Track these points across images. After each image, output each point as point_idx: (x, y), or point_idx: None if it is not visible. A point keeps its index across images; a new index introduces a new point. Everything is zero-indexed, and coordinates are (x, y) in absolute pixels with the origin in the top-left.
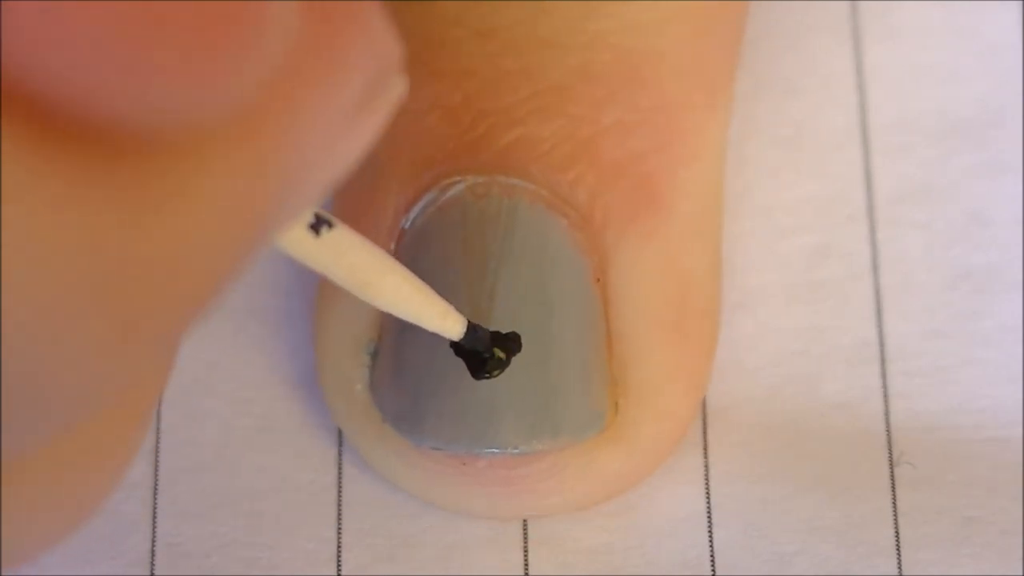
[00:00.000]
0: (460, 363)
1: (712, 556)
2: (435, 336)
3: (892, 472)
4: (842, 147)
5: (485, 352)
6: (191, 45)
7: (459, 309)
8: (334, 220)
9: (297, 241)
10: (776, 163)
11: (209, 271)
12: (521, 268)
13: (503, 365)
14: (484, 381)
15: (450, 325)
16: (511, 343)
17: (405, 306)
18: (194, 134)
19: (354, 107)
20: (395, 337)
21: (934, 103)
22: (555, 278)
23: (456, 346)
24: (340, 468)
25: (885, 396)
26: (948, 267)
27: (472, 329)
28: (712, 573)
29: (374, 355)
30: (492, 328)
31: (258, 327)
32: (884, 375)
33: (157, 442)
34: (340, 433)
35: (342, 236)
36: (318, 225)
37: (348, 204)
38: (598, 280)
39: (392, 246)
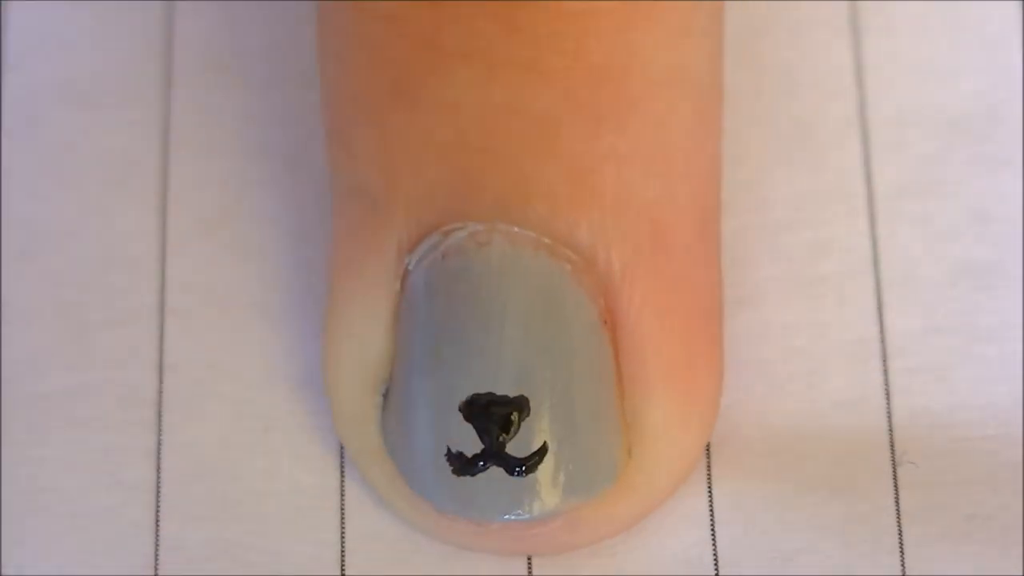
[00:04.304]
0: (469, 429)
1: (715, 555)
2: (442, 396)
3: (895, 470)
4: (842, 142)
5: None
6: None
7: (470, 365)
8: None
9: None
10: (776, 158)
11: None
12: (528, 319)
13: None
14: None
15: None
16: (519, 408)
17: None
18: None
19: None
20: (403, 390)
21: (933, 98)
22: (564, 330)
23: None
24: (343, 471)
25: (887, 392)
26: (949, 263)
27: None
28: (715, 572)
29: (386, 395)
30: (501, 392)
31: (259, 328)
32: (885, 371)
33: (159, 444)
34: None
35: None
36: None
37: (348, 240)
38: (606, 323)
39: (398, 285)
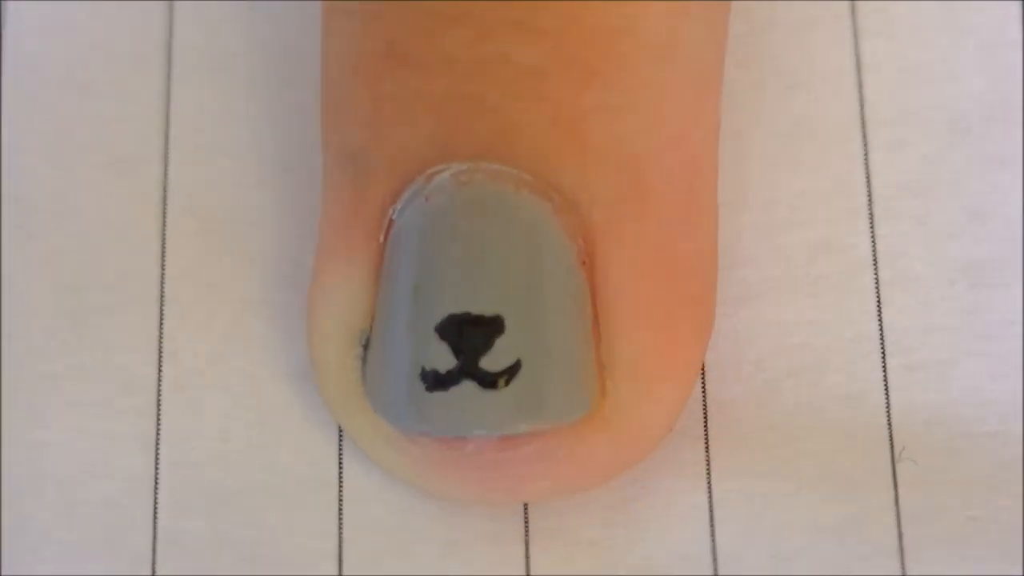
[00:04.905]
0: (444, 347)
1: (713, 552)
2: (419, 321)
3: (894, 469)
4: (842, 141)
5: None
6: None
7: (449, 297)
8: None
9: None
10: (776, 157)
11: None
12: (508, 253)
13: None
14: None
15: None
16: (494, 327)
17: None
18: None
19: None
20: (382, 325)
21: (933, 98)
22: (542, 263)
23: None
24: (341, 463)
25: (886, 390)
26: (948, 261)
27: None
28: (713, 569)
29: (367, 346)
30: (476, 312)
31: (258, 320)
32: (884, 369)
33: (157, 435)
34: (341, 428)
35: None
36: None
37: (335, 198)
38: (584, 263)
39: (381, 238)
